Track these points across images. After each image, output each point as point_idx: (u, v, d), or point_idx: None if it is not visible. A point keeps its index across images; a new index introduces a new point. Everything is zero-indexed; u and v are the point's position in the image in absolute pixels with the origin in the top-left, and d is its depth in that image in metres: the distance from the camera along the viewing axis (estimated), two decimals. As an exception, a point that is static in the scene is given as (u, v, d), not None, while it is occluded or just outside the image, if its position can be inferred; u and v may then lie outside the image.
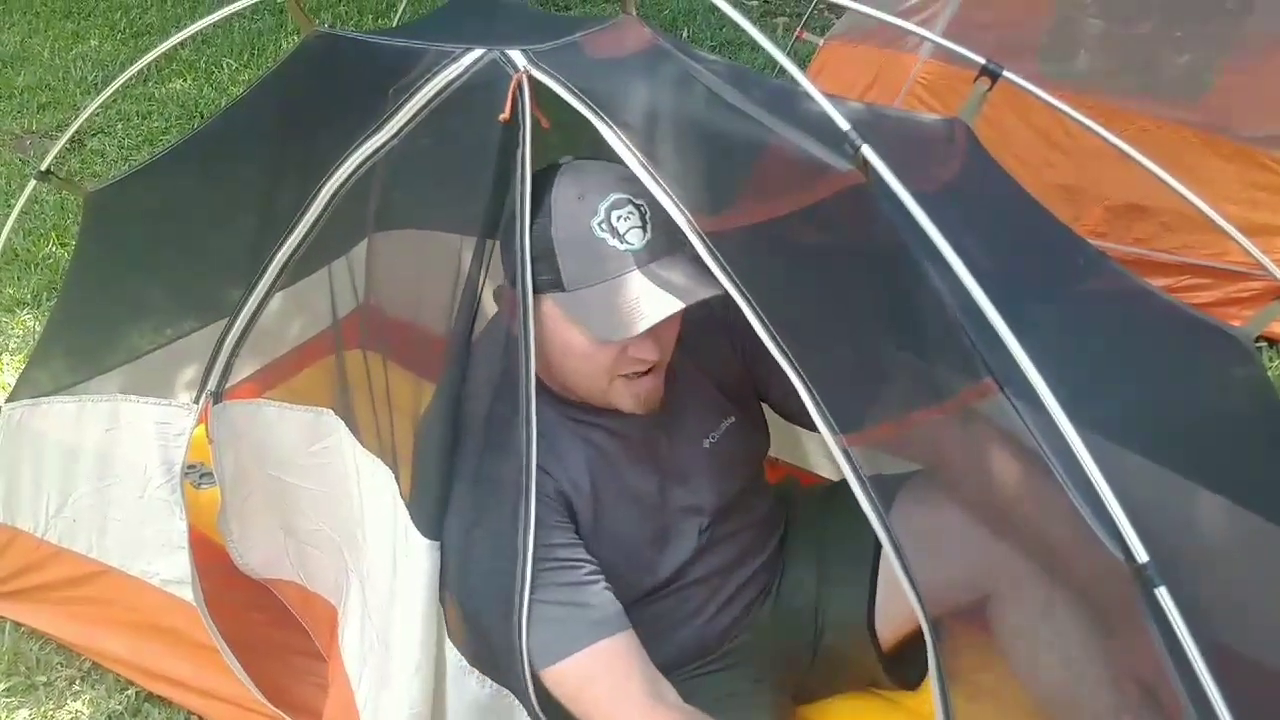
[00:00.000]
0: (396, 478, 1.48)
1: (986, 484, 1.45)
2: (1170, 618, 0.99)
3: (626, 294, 1.34)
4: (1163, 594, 0.99)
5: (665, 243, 1.36)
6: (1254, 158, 2.69)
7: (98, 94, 1.94)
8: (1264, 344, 2.71)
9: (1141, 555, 1.01)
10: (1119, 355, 1.30)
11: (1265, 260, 1.44)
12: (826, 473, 2.06)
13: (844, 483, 1.89)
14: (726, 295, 1.33)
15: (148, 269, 1.88)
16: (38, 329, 2.92)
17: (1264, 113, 2.83)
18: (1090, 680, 1.45)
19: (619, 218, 1.36)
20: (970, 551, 1.47)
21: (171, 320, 1.87)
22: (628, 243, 1.36)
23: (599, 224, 1.35)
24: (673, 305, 1.33)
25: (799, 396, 1.49)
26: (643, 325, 1.33)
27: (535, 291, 1.36)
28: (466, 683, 1.44)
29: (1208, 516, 1.32)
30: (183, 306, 1.87)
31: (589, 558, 1.46)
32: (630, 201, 1.36)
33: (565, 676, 1.38)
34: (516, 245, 1.31)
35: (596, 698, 1.39)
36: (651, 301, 1.33)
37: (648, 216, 1.36)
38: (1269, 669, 1.27)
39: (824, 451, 2.08)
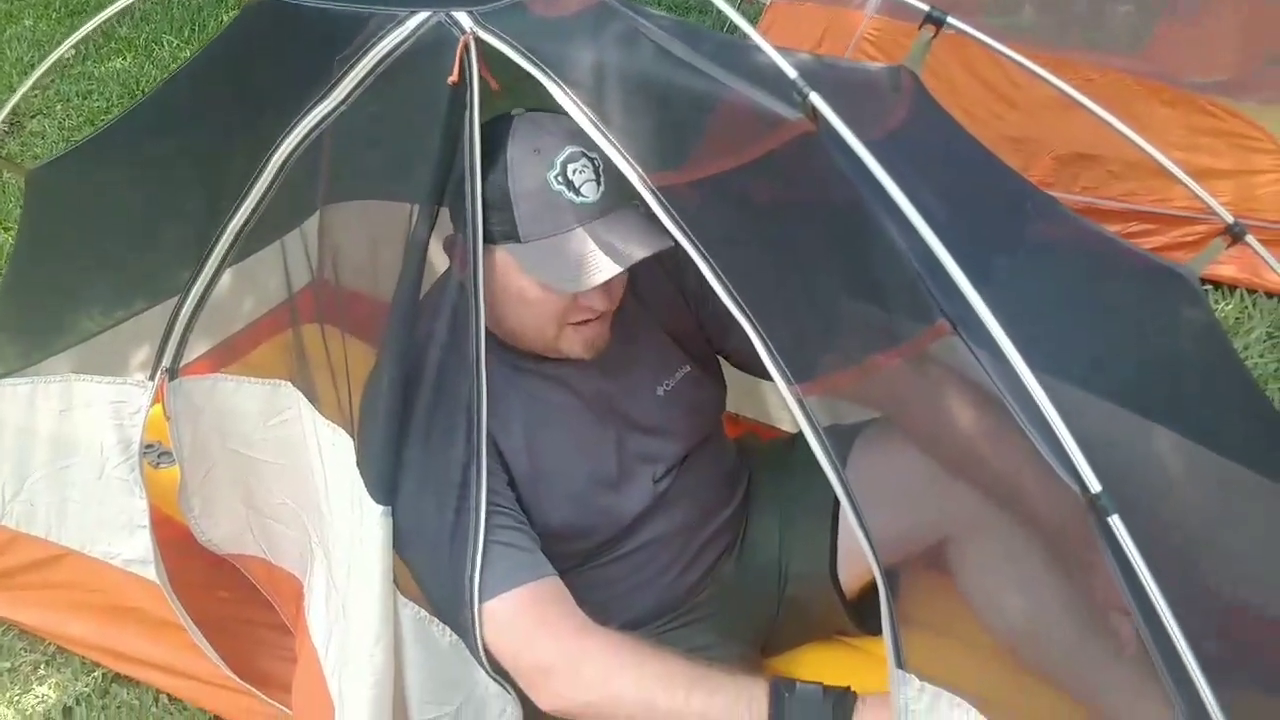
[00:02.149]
0: (355, 447, 1.48)
1: (942, 428, 1.47)
2: (1124, 546, 1.01)
3: (581, 246, 1.36)
4: (1115, 522, 1.01)
5: (619, 196, 1.38)
6: (1195, 103, 2.73)
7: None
8: (1209, 286, 2.76)
9: (1094, 485, 1.03)
10: (1071, 300, 1.32)
11: (1208, 198, 1.46)
12: (787, 426, 2.07)
13: (803, 435, 1.93)
14: (680, 248, 1.33)
15: (94, 248, 1.85)
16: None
17: (1204, 61, 2.87)
18: (1051, 614, 1.48)
19: (574, 171, 1.38)
20: (927, 496, 1.49)
21: (121, 300, 1.84)
22: (582, 196, 1.38)
23: (555, 177, 1.36)
24: (627, 259, 1.35)
25: (754, 346, 1.51)
26: (599, 278, 1.35)
27: (488, 242, 1.38)
28: (428, 633, 1.45)
29: (1162, 453, 1.34)
30: (132, 285, 1.84)
31: (517, 508, 1.48)
32: (585, 155, 1.38)
33: (495, 613, 1.39)
34: (468, 200, 1.31)
35: (528, 630, 1.40)
36: (606, 254, 1.35)
37: (601, 170, 1.38)
38: (1225, 598, 1.30)
39: (784, 404, 2.09)
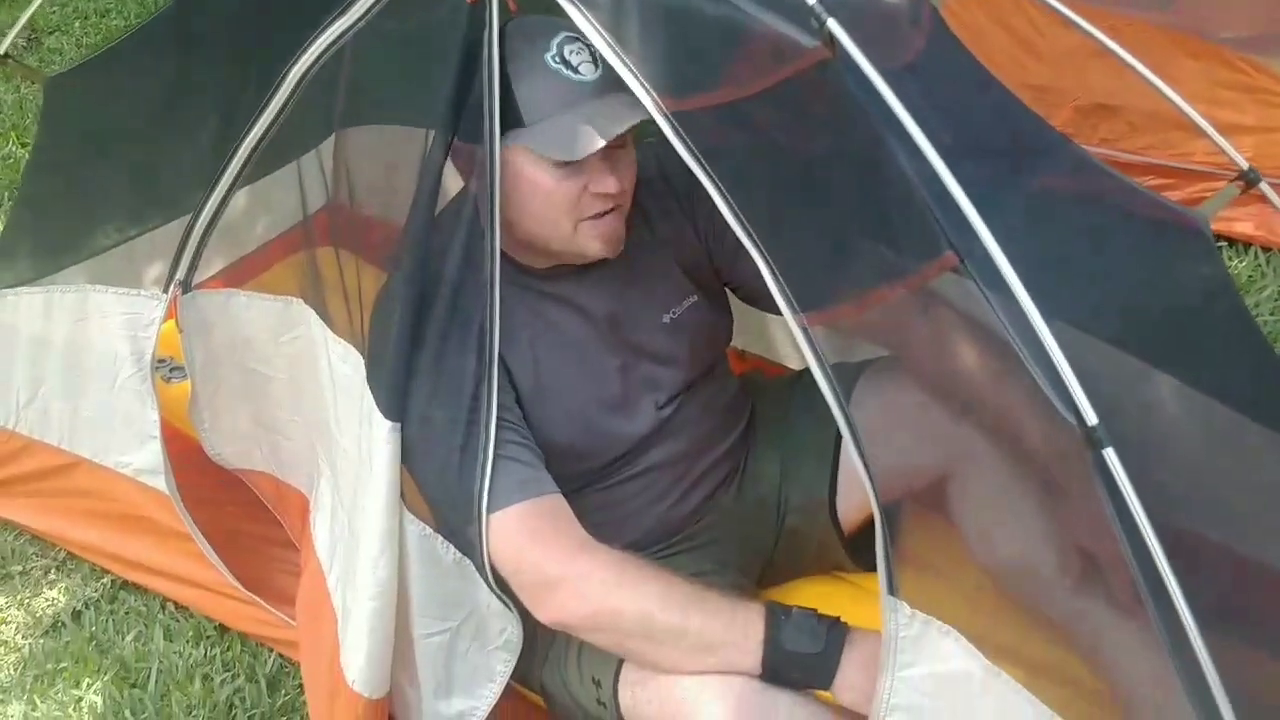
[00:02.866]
0: (365, 363, 1.50)
1: (945, 367, 1.48)
2: (1118, 480, 1.02)
3: (585, 121, 1.36)
4: (1110, 455, 1.02)
5: (617, 79, 1.36)
6: (1221, 56, 2.69)
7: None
8: (1224, 243, 2.75)
9: (1091, 418, 1.04)
10: (1081, 243, 1.32)
11: (1223, 142, 1.46)
12: (793, 364, 2.08)
13: (808, 371, 1.94)
14: (690, 177, 1.34)
15: (110, 161, 1.86)
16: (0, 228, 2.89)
17: (1233, 16, 2.83)
18: (1044, 551, 1.50)
19: (570, 51, 1.39)
20: (929, 434, 1.51)
21: (136, 214, 1.86)
22: (580, 74, 1.39)
23: (552, 57, 1.37)
24: (632, 118, 1.34)
25: (763, 278, 1.51)
26: (602, 140, 1.35)
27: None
28: (431, 548, 1.48)
29: (1163, 399, 1.35)
30: (147, 200, 1.86)
31: (524, 425, 1.50)
32: (579, 39, 1.39)
33: (500, 525, 1.41)
34: (486, 119, 1.31)
35: (531, 544, 1.43)
36: (609, 120, 1.36)
37: (598, 53, 1.37)
38: (1222, 548, 1.31)
39: (791, 342, 2.11)
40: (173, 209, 1.76)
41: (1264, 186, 1.44)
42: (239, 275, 2.00)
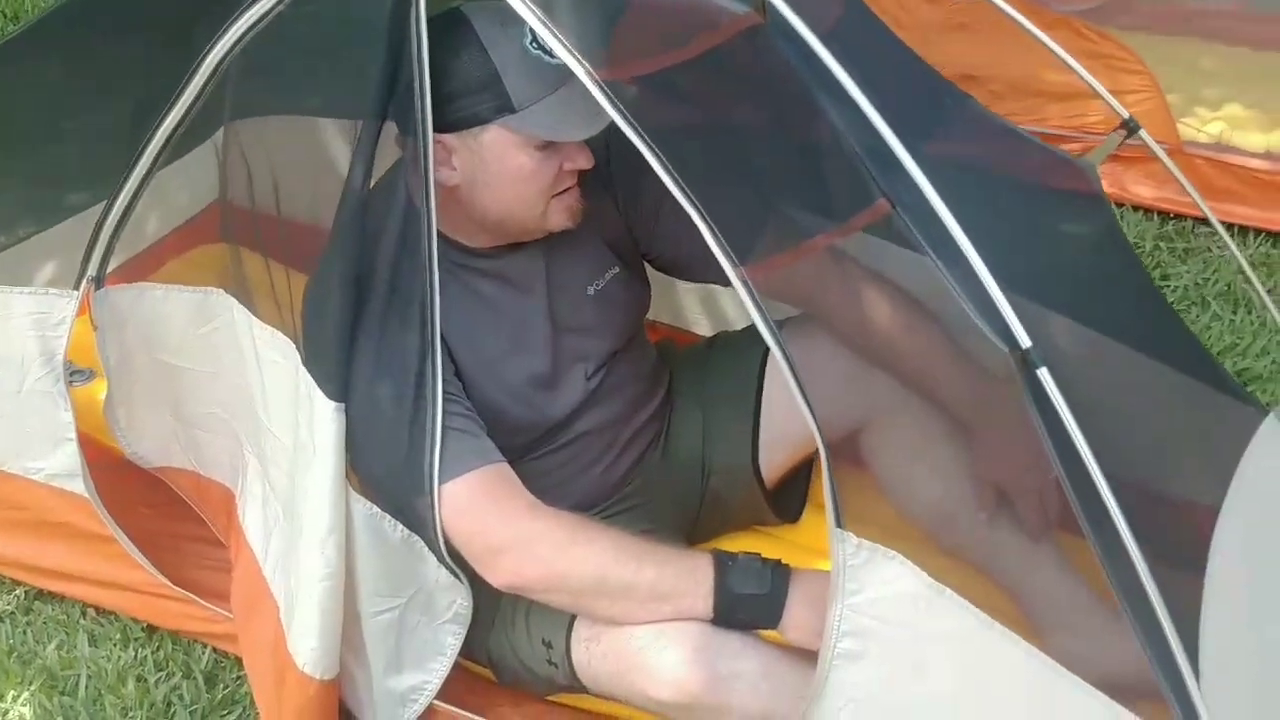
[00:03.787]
0: (298, 345, 1.50)
1: (859, 320, 1.57)
2: (1052, 397, 1.10)
3: (569, 100, 1.40)
4: (1044, 375, 1.11)
5: None
6: (1072, 26, 2.87)
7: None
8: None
9: (1025, 340, 1.12)
10: (983, 189, 1.41)
11: (1105, 93, 1.57)
12: (702, 330, 2.16)
13: (720, 336, 2.00)
14: (608, 152, 1.38)
15: (10, 153, 1.81)
16: None
17: (1074, -13, 3.02)
18: (959, 492, 1.60)
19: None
20: (846, 385, 1.59)
21: (36, 214, 1.81)
22: (556, 59, 1.40)
23: (530, 44, 1.40)
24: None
25: (684, 244, 1.57)
26: (600, 123, 1.40)
27: (478, 124, 1.42)
28: (379, 528, 1.50)
29: (1064, 340, 1.45)
30: (47, 199, 1.82)
31: (465, 397, 1.53)
32: None
33: (450, 495, 1.45)
34: (416, 99, 1.33)
35: (482, 511, 1.47)
36: (591, 100, 1.35)
37: None
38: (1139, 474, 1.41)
39: (700, 309, 2.18)
40: (76, 206, 1.72)
41: (1144, 134, 1.56)
42: (153, 262, 1.95)
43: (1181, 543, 1.36)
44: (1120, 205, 2.90)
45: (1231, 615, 1.33)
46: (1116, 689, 1.22)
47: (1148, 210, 2.92)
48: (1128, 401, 1.42)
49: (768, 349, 1.26)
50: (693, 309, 2.16)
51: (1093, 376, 1.37)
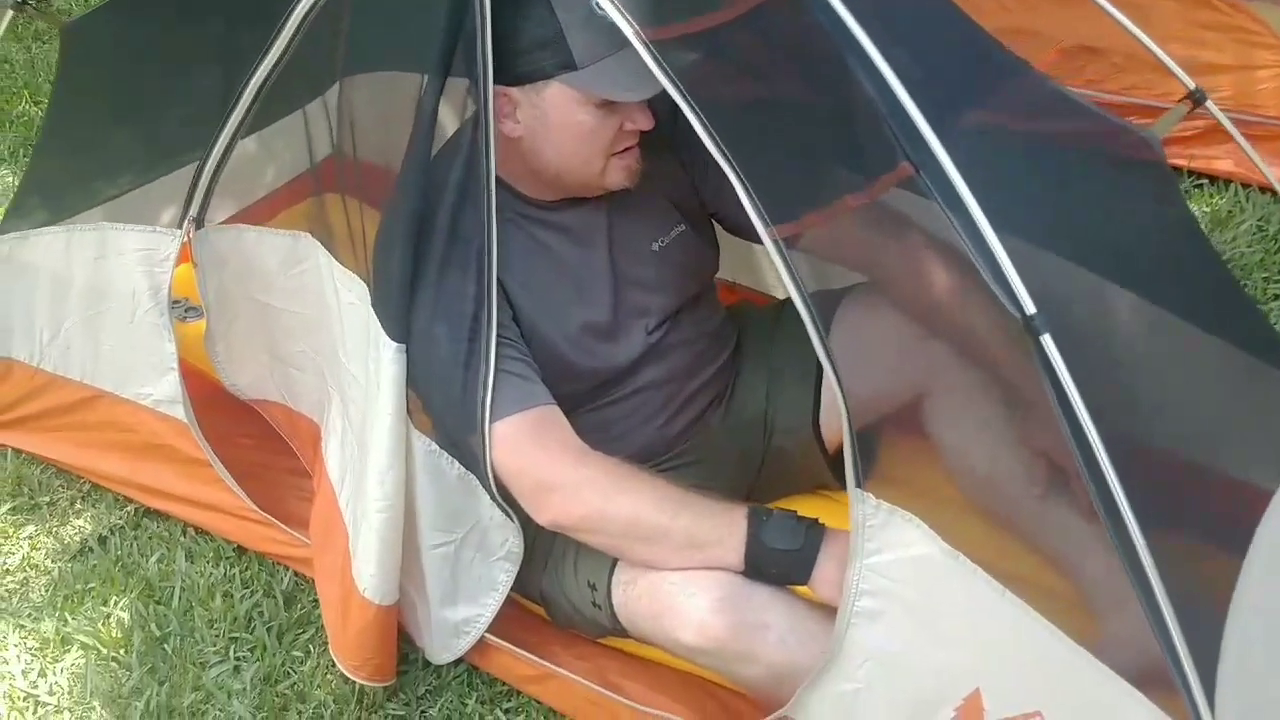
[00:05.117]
0: (370, 290, 1.59)
1: (918, 288, 1.57)
2: (1055, 366, 1.10)
3: (635, 61, 1.38)
4: (1047, 341, 1.11)
5: None
6: (1202, -3, 2.76)
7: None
8: (1205, 180, 2.82)
9: (1029, 307, 1.12)
10: (1033, 162, 1.40)
11: (1165, 58, 1.53)
12: (779, 294, 2.17)
13: (790, 300, 2.01)
14: (676, 112, 1.40)
15: (125, 107, 1.94)
16: (15, 184, 2.98)
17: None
18: (1014, 462, 1.58)
19: None
20: (906, 354, 1.60)
21: (147, 162, 1.94)
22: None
23: (595, 4, 1.40)
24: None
25: (744, 208, 1.59)
26: (658, 85, 1.37)
27: (541, 79, 1.48)
28: (437, 464, 1.57)
29: (1114, 307, 1.42)
30: (157, 147, 1.93)
31: (521, 342, 1.59)
32: None
33: (502, 435, 1.51)
34: (478, 53, 1.39)
35: (532, 451, 1.53)
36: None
37: None
38: (1164, 445, 1.39)
39: (775, 272, 2.19)
40: (186, 152, 1.84)
41: (1210, 105, 1.52)
42: (249, 219, 2.08)
43: (1219, 520, 1.34)
44: (1247, 186, 2.79)
45: (1266, 599, 1.30)
46: (1148, 680, 1.21)
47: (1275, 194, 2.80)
48: (1174, 375, 1.39)
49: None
50: (770, 271, 2.17)
51: (1134, 350, 1.35)
